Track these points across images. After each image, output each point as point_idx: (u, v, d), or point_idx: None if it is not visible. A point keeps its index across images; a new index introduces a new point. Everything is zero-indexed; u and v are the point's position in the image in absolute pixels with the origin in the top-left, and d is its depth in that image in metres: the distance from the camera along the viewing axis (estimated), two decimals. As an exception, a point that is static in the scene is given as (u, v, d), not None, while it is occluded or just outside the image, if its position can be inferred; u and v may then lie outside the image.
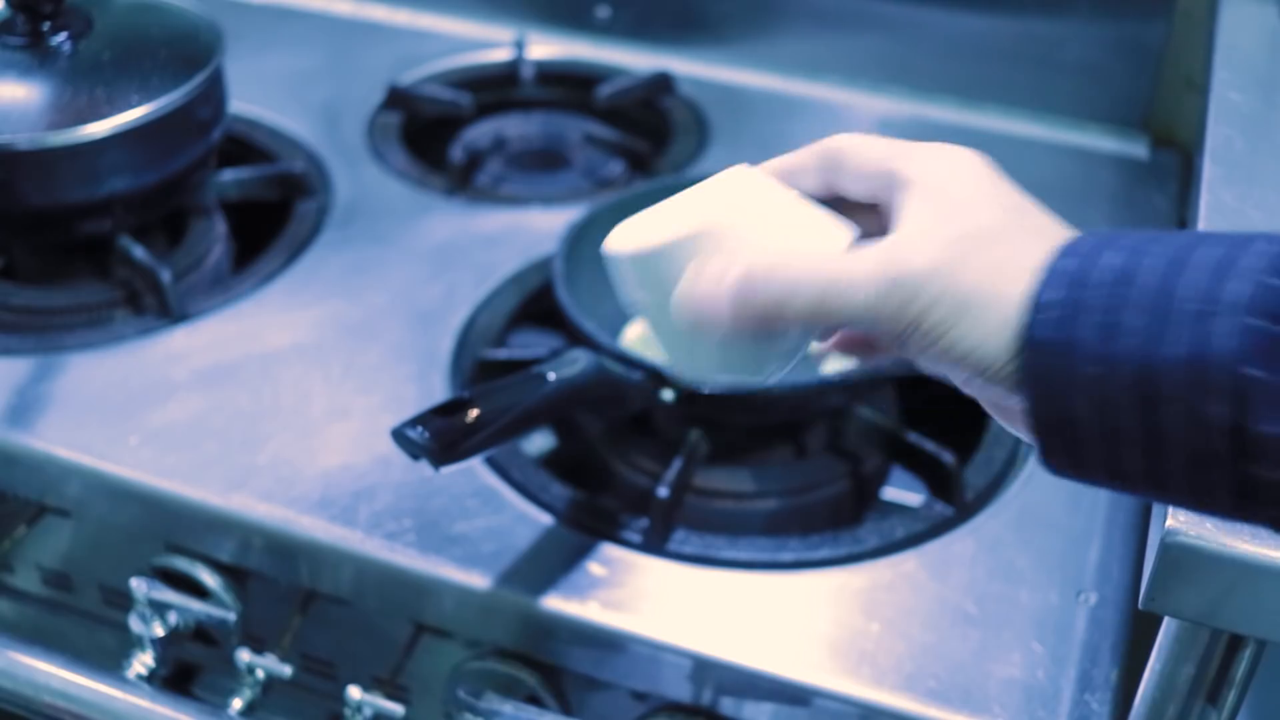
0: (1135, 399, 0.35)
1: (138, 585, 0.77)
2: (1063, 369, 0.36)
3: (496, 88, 1.22)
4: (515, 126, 1.15)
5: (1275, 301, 0.33)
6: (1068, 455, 0.37)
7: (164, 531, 0.78)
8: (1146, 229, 0.41)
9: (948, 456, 0.74)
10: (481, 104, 1.18)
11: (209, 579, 0.77)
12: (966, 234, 0.39)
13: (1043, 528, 0.73)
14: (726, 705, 0.67)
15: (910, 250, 0.39)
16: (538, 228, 0.97)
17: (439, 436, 0.59)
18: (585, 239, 0.85)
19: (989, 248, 0.39)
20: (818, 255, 0.41)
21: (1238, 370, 0.33)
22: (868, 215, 0.44)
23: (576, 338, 0.77)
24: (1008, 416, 0.41)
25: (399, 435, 0.60)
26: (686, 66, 1.21)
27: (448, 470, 0.62)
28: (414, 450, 0.60)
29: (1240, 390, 0.33)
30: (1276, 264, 0.34)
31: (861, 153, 0.43)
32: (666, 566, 0.71)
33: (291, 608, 0.81)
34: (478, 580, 0.69)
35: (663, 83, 1.17)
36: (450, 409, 0.61)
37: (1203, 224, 0.69)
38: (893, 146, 0.43)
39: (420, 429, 0.59)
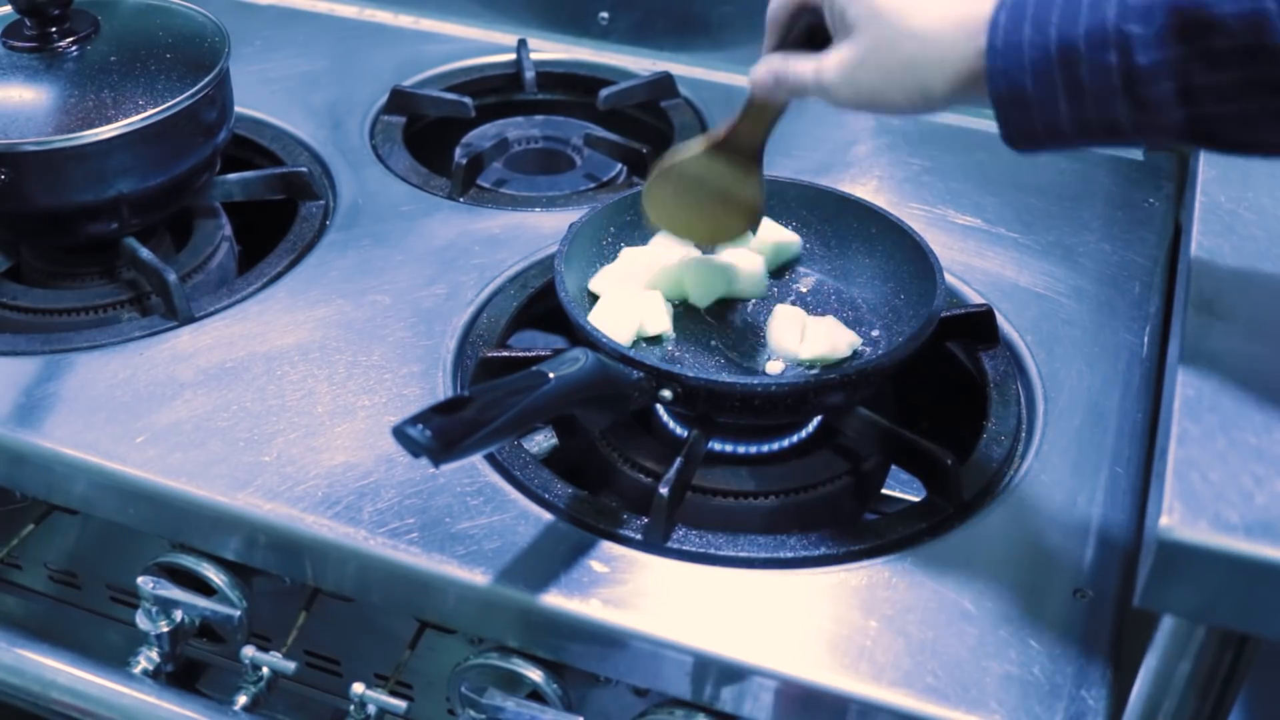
0: (1060, 64, 0.54)
1: (144, 583, 0.78)
2: (1015, 57, 0.55)
3: (499, 90, 1.23)
4: (517, 129, 1.15)
5: None
6: (1023, 124, 0.56)
7: (170, 529, 0.78)
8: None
9: (946, 455, 0.75)
10: (484, 107, 1.19)
11: (215, 576, 0.78)
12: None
13: (1039, 526, 0.73)
14: (726, 701, 0.68)
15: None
16: (540, 229, 0.98)
17: (439, 434, 0.60)
18: (586, 240, 0.86)
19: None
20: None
21: (1121, 27, 0.52)
22: None
23: (577, 338, 0.78)
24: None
25: (400, 433, 0.60)
26: (686, 69, 1.21)
27: (448, 467, 0.62)
28: (414, 448, 0.60)
29: (1123, 38, 0.52)
30: None
31: None
32: (667, 564, 0.72)
33: (296, 605, 0.81)
34: (480, 577, 0.70)
35: (664, 85, 1.18)
36: (451, 407, 0.62)
37: (1198, 225, 0.70)
38: None
39: (421, 427, 0.60)
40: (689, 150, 0.78)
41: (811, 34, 0.67)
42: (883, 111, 0.63)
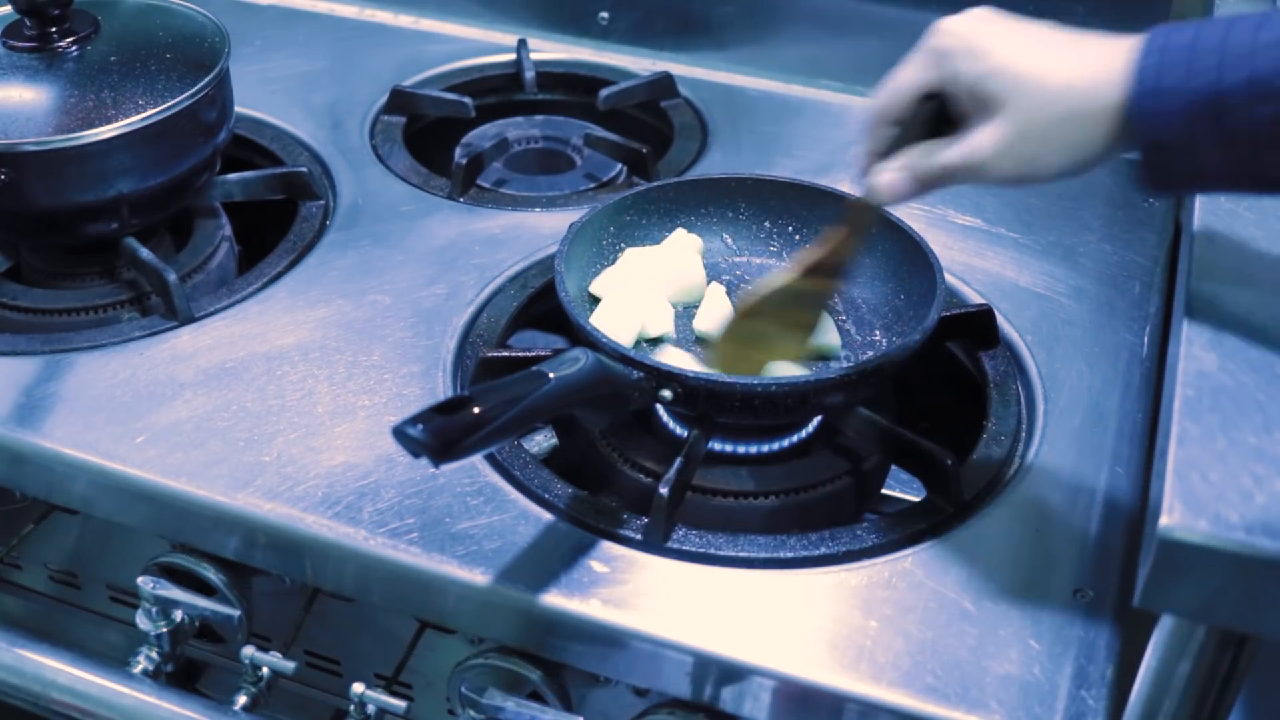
0: (1212, 113, 0.54)
1: (144, 583, 0.78)
2: (1158, 106, 0.55)
3: (499, 90, 1.23)
4: (517, 129, 1.15)
5: None
6: (1163, 168, 0.57)
7: (170, 529, 0.78)
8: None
9: (946, 455, 0.75)
10: (484, 106, 1.19)
11: (215, 576, 0.78)
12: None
13: (1040, 526, 0.74)
14: (726, 701, 0.68)
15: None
16: (540, 229, 0.98)
17: (439, 434, 0.60)
18: (586, 240, 0.86)
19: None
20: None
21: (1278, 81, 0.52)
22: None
23: (577, 338, 0.78)
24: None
25: (399, 433, 0.60)
26: (686, 69, 1.21)
27: (448, 467, 0.62)
28: (414, 448, 0.60)
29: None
30: None
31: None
32: (667, 564, 0.72)
33: (296, 605, 0.81)
34: (480, 577, 0.70)
35: (664, 85, 1.18)
36: (450, 407, 0.62)
37: (1197, 225, 0.70)
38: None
39: (420, 427, 0.60)
40: (776, 280, 0.74)
41: (936, 121, 0.64)
42: (1040, 178, 0.61)
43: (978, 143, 0.61)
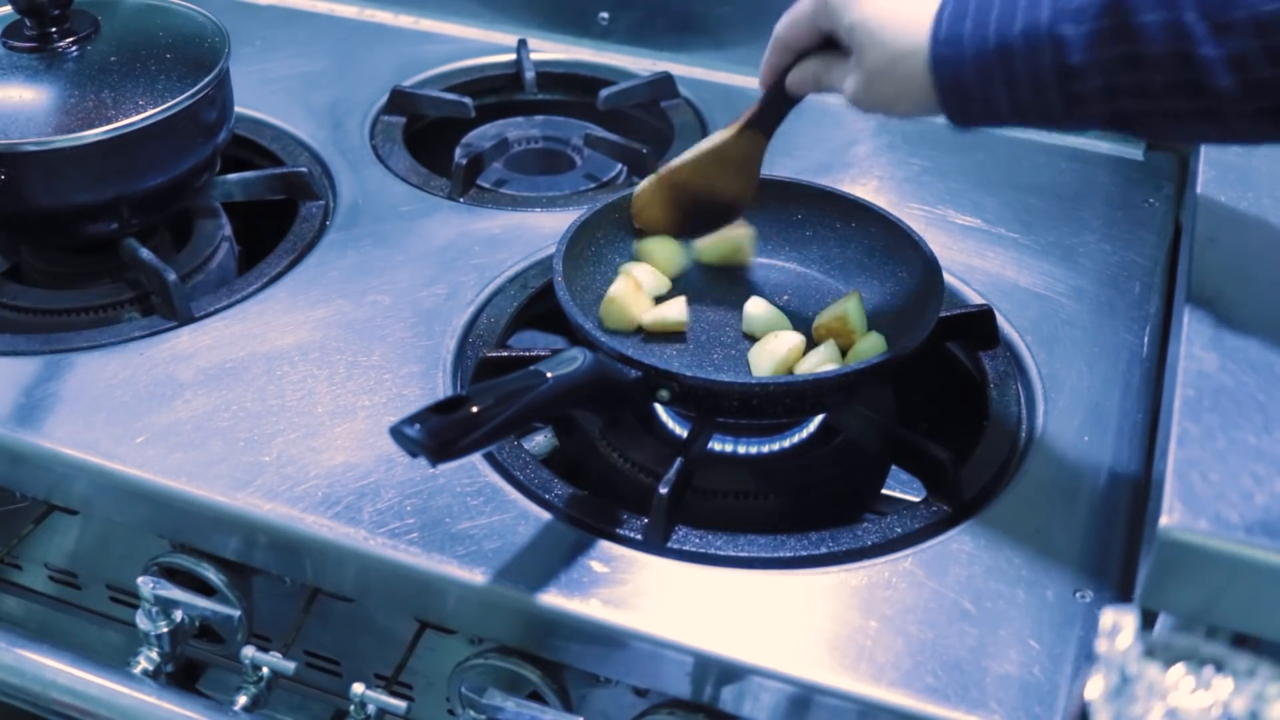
0: (997, 59, 0.60)
1: (144, 583, 0.78)
2: (956, 53, 0.62)
3: (499, 90, 1.23)
4: (517, 129, 1.15)
5: None
6: (962, 107, 0.63)
7: (170, 530, 0.78)
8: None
9: (946, 456, 0.75)
10: (484, 107, 1.19)
11: (214, 577, 0.78)
12: None
13: (1040, 526, 0.73)
14: (726, 701, 0.68)
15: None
16: (539, 229, 0.98)
17: (436, 434, 0.60)
18: (586, 239, 0.86)
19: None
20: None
21: (1055, 29, 0.58)
22: None
23: (577, 337, 0.78)
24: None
25: (397, 432, 0.61)
26: (686, 69, 1.21)
27: (446, 467, 0.62)
28: (411, 447, 0.60)
29: (1057, 40, 0.58)
30: None
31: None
32: (667, 564, 0.72)
33: (296, 605, 0.81)
34: (480, 577, 0.70)
35: (664, 85, 1.18)
36: (448, 407, 0.62)
37: (1198, 225, 0.70)
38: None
39: (417, 426, 0.60)
40: (716, 138, 0.82)
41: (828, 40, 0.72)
42: (899, 115, 0.69)
43: (848, 82, 0.70)
